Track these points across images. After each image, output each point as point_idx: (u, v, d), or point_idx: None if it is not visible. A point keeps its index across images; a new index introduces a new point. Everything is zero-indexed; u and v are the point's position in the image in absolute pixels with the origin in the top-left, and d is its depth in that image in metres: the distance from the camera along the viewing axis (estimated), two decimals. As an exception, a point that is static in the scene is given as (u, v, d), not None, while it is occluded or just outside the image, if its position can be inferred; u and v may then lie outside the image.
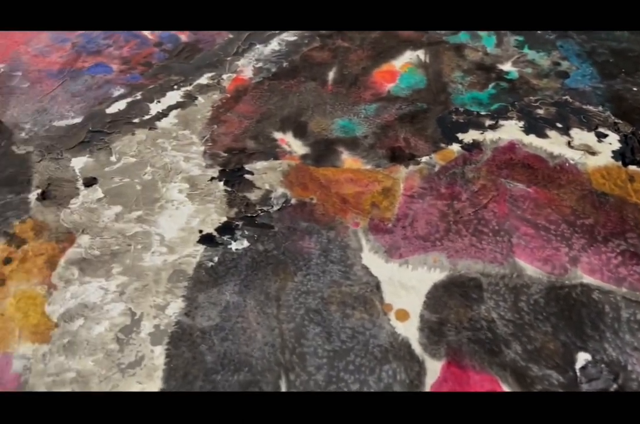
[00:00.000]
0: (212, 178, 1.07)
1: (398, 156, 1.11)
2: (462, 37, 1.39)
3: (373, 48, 1.34)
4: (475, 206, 1.02)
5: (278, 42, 1.36)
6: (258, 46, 1.34)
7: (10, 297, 0.89)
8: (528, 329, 0.86)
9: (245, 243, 0.97)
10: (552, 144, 1.13)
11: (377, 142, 1.14)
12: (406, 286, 0.91)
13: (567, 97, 1.23)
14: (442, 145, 1.13)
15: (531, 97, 1.23)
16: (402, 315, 0.88)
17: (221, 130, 1.15)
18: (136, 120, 1.16)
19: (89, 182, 1.05)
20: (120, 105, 1.19)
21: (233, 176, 1.07)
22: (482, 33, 1.39)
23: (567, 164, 1.09)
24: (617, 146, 1.12)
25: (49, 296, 0.89)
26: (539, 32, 1.39)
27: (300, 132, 1.16)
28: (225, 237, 0.98)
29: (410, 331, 0.86)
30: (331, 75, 1.28)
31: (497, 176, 1.07)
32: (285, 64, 1.30)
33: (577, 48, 1.35)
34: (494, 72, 1.29)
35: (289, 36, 1.37)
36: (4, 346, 0.84)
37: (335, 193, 1.05)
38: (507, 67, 1.30)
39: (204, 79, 1.25)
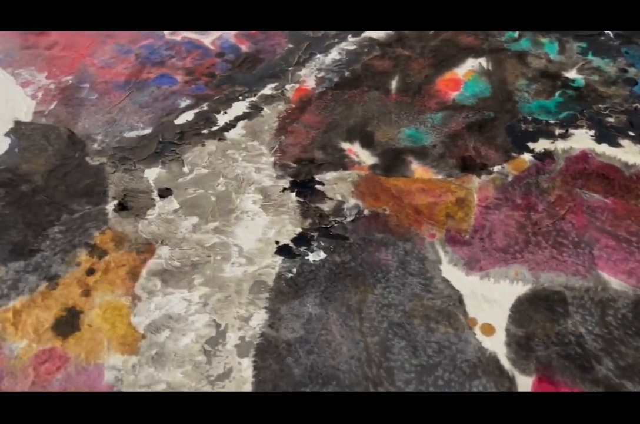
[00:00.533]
0: (284, 189, 1.07)
1: (469, 166, 1.10)
2: (524, 44, 1.37)
3: (434, 56, 1.33)
4: (552, 217, 1.00)
5: (338, 51, 1.36)
6: (318, 56, 1.35)
7: (97, 308, 0.90)
8: (618, 345, 0.84)
9: (322, 254, 0.97)
10: (626, 154, 1.10)
11: (447, 151, 1.13)
12: (489, 299, 0.90)
13: (638, 104, 1.20)
14: (513, 154, 1.11)
15: (600, 105, 1.20)
16: (488, 329, 0.87)
17: (289, 141, 1.16)
18: (205, 131, 1.17)
19: (164, 194, 1.06)
20: (188, 116, 1.21)
21: (304, 186, 1.08)
22: (544, 40, 1.37)
23: (643, 174, 1.07)
24: (694, 154, 1.09)
25: (133, 307, 0.91)
26: (602, 38, 1.37)
27: (367, 142, 1.16)
28: (302, 249, 0.98)
29: (497, 345, 0.85)
30: (394, 84, 1.27)
31: (572, 187, 1.05)
32: (346, 74, 1.30)
33: (643, 54, 1.32)
34: (560, 79, 1.27)
35: (349, 45, 1.37)
36: (94, 356, 0.85)
37: (408, 204, 1.04)
38: (572, 74, 1.28)
39: (267, 90, 1.26)
